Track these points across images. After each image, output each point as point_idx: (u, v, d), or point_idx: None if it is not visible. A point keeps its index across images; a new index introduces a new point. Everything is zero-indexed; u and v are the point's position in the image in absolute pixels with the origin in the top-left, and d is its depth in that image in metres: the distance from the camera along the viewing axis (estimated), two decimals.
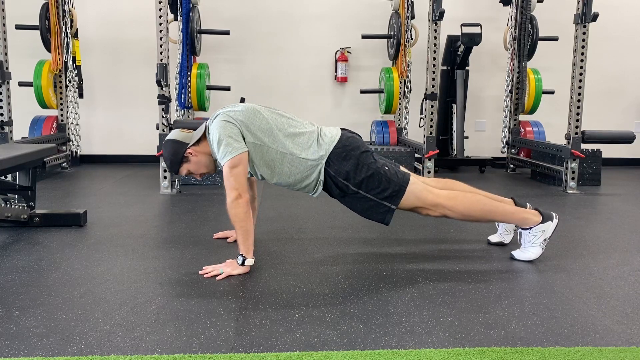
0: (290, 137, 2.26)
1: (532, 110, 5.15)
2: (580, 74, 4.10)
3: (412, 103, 5.35)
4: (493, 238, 2.67)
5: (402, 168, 2.37)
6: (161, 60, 3.88)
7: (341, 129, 2.37)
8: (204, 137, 2.32)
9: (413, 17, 5.04)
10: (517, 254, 2.41)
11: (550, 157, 4.52)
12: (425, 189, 2.31)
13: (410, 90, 5.20)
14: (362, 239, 2.77)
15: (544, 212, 2.37)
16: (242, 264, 2.17)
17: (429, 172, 4.31)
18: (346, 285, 2.09)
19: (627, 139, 4.28)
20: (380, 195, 2.25)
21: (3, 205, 2.70)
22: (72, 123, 5.07)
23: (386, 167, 2.28)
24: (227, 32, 5.05)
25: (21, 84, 4.75)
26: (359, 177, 2.24)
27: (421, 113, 4.80)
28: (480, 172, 5.23)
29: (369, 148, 2.33)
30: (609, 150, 4.83)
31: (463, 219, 2.37)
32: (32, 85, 4.72)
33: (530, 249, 2.38)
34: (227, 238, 2.70)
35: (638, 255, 2.54)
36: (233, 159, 2.16)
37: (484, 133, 5.78)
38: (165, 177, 3.94)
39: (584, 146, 4.22)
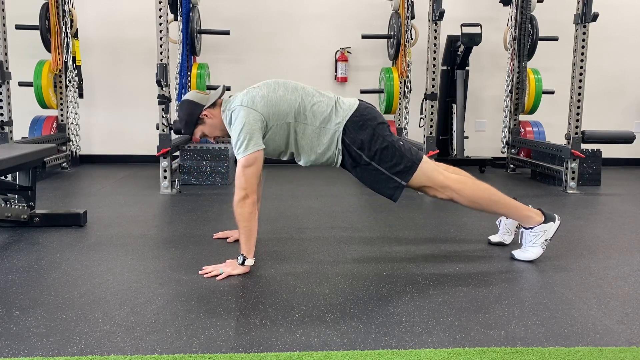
0: (310, 110, 2.25)
1: (532, 110, 5.15)
2: (580, 74, 4.10)
3: (412, 103, 5.35)
4: (493, 238, 2.67)
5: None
6: (161, 60, 3.88)
7: (359, 100, 2.36)
8: (220, 101, 2.32)
9: (413, 17, 5.04)
10: (517, 253, 2.41)
11: (550, 157, 4.52)
12: (437, 170, 2.31)
13: (410, 90, 5.20)
14: (362, 239, 2.77)
15: (546, 212, 2.37)
16: (242, 263, 2.17)
17: None
18: (346, 285, 2.09)
19: (627, 139, 4.28)
20: (392, 169, 2.25)
21: (3, 205, 2.70)
22: (72, 123, 5.06)
23: (401, 142, 2.28)
24: (227, 32, 5.05)
25: (21, 84, 4.75)
26: (374, 148, 2.23)
27: (421, 113, 4.80)
28: (480, 172, 5.23)
29: (385, 120, 2.33)
30: (609, 150, 4.83)
31: (469, 205, 2.35)
32: (32, 85, 4.72)
33: (530, 249, 2.38)
34: (227, 238, 2.70)
35: (638, 255, 2.54)
36: (248, 156, 2.16)
37: (484, 133, 5.78)
38: (165, 177, 3.94)
39: (584, 146, 4.22)
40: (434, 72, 4.29)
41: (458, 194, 2.29)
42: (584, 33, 4.03)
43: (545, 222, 2.34)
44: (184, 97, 2.37)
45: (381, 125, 2.27)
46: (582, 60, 4.07)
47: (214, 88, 5.05)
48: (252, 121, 2.18)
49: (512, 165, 5.26)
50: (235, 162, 2.25)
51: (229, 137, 2.33)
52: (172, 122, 3.99)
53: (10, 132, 4.25)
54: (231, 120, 2.23)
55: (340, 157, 2.30)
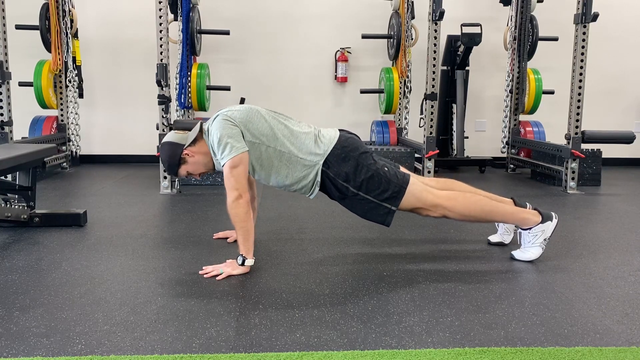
0: (289, 138, 2.26)
1: (532, 110, 5.15)
2: (580, 74, 4.10)
3: (412, 103, 5.35)
4: (493, 238, 2.67)
5: (401, 169, 2.37)
6: (161, 60, 3.88)
7: (339, 130, 2.37)
8: (200, 136, 2.32)
9: (413, 17, 5.04)
10: (517, 254, 2.41)
11: (550, 157, 4.52)
12: (425, 189, 2.31)
13: (410, 90, 5.20)
14: (362, 239, 2.77)
15: (543, 212, 2.37)
16: (242, 264, 2.17)
17: (429, 172, 4.31)
18: (346, 285, 2.09)
19: (627, 139, 4.28)
20: (380, 196, 2.25)
21: (3, 205, 2.70)
22: (72, 123, 5.07)
23: (386, 168, 2.28)
24: (227, 32, 5.05)
25: (21, 84, 4.75)
26: (359, 179, 2.23)
27: (421, 113, 4.80)
28: (480, 172, 5.23)
29: (368, 149, 2.32)
30: (609, 150, 4.83)
31: (463, 219, 2.36)
32: (32, 85, 4.72)
33: (530, 249, 2.38)
34: (227, 238, 2.70)
35: (638, 255, 2.54)
36: (233, 158, 2.16)
37: (484, 133, 5.78)
38: (165, 177, 3.94)
39: (584, 146, 4.22)
40: (434, 72, 4.29)
41: (450, 211, 2.29)
42: (584, 33, 4.03)
43: (542, 222, 2.34)
44: (164, 140, 2.36)
45: (364, 155, 2.27)
46: (582, 60, 4.07)
47: (214, 88, 5.06)
48: (229, 126, 2.20)
49: (512, 165, 5.26)
50: None
51: (214, 171, 2.35)
52: (172, 122, 3.99)
53: (10, 132, 4.25)
54: (210, 132, 2.25)
55: (316, 189, 2.30)
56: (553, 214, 2.39)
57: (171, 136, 2.35)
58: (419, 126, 4.87)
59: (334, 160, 2.25)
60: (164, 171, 3.92)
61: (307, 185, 2.30)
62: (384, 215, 2.28)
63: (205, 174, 2.43)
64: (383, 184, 2.24)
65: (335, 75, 5.62)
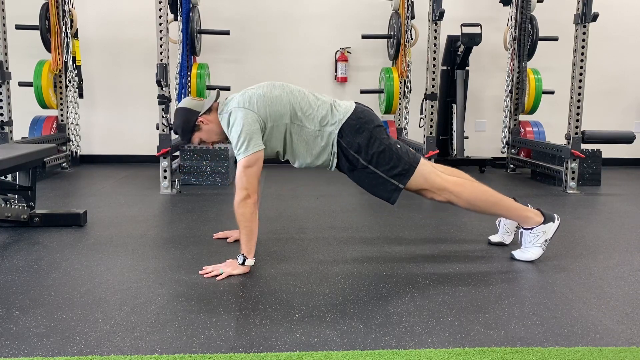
0: (305, 111, 2.25)
1: (532, 110, 5.15)
2: (580, 74, 4.10)
3: (412, 103, 5.35)
4: (493, 238, 2.67)
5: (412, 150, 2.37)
6: (161, 60, 3.88)
7: (355, 102, 2.36)
8: (216, 106, 2.31)
9: (413, 17, 5.04)
10: (517, 254, 2.41)
11: (550, 157, 4.52)
12: (434, 172, 2.31)
13: (410, 90, 5.20)
14: (362, 239, 2.77)
15: (546, 213, 2.37)
16: (243, 263, 2.17)
17: None
18: (346, 285, 2.09)
19: (627, 139, 4.28)
20: (390, 172, 2.24)
21: (3, 205, 2.70)
22: (72, 123, 5.06)
23: (398, 145, 2.28)
24: (227, 32, 5.05)
25: (21, 84, 4.75)
26: (371, 151, 2.22)
27: (421, 113, 4.80)
28: (480, 172, 5.23)
29: (382, 123, 2.32)
30: (609, 150, 4.82)
31: (467, 207, 2.34)
32: (32, 85, 4.71)
33: (530, 249, 2.38)
34: (227, 238, 2.70)
35: (638, 255, 2.54)
36: (249, 157, 2.16)
37: (484, 133, 5.78)
38: (165, 177, 3.94)
39: (584, 146, 4.22)
40: (434, 72, 4.29)
41: (456, 197, 2.28)
42: (584, 33, 4.03)
43: (544, 222, 2.34)
44: (179, 105, 2.36)
45: (378, 128, 2.27)
46: (582, 60, 4.07)
47: (214, 88, 5.05)
48: (250, 122, 2.18)
49: (512, 165, 5.26)
50: (235, 162, 2.24)
51: (227, 141, 2.33)
52: (172, 122, 3.99)
53: (10, 132, 4.25)
54: (229, 122, 2.22)
55: (335, 160, 2.30)
56: (556, 215, 2.39)
57: (187, 102, 2.34)
58: (419, 126, 4.87)
59: (348, 130, 2.23)
60: (165, 171, 3.92)
61: (327, 158, 2.30)
62: (391, 192, 2.27)
63: (218, 143, 2.41)
64: (394, 159, 2.23)
65: (335, 75, 5.62)
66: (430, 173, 2.29)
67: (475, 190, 2.32)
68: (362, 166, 2.25)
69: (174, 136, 4.08)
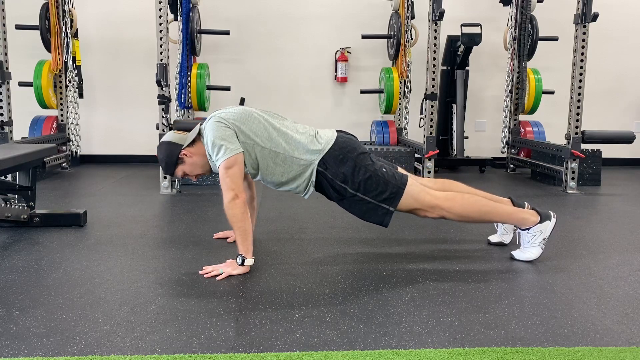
0: (284, 138, 2.26)
1: (532, 110, 5.15)
2: (580, 74, 4.10)
3: (412, 103, 5.35)
4: (493, 238, 2.67)
5: (399, 169, 2.37)
6: (161, 60, 3.88)
7: (337, 130, 2.37)
8: (198, 137, 2.32)
9: (413, 17, 5.04)
10: (516, 254, 2.41)
11: (550, 157, 4.52)
12: (423, 190, 2.30)
13: (410, 90, 5.20)
14: (362, 239, 2.77)
15: (541, 211, 2.37)
16: (242, 264, 2.17)
17: (429, 172, 4.31)
18: (346, 285, 2.09)
19: (627, 139, 4.28)
20: (379, 197, 2.25)
21: (3, 205, 2.70)
22: (72, 123, 5.07)
23: (384, 169, 2.27)
24: (227, 32, 5.05)
25: (21, 84, 4.75)
26: (357, 180, 2.23)
27: (421, 113, 4.80)
28: (480, 172, 5.23)
29: (365, 150, 2.32)
30: (609, 150, 4.83)
31: (461, 220, 2.36)
32: (32, 85, 4.72)
33: (529, 249, 2.38)
34: (227, 238, 2.70)
35: (638, 255, 2.54)
36: (228, 159, 2.17)
37: (484, 133, 5.78)
38: (165, 177, 3.94)
39: (584, 146, 4.22)
40: (434, 72, 4.29)
41: (448, 212, 2.29)
42: (584, 33, 4.03)
43: (541, 221, 2.34)
44: (162, 139, 2.37)
45: (362, 156, 2.27)
46: (582, 60, 4.07)
47: (214, 88, 5.06)
48: (223, 127, 2.21)
49: (512, 165, 5.26)
50: None
51: (212, 173, 2.35)
52: (172, 122, 3.99)
53: (10, 132, 4.25)
54: (205, 134, 2.25)
55: (311, 189, 2.31)
56: (551, 213, 2.39)
57: (170, 136, 2.35)
58: (419, 126, 4.87)
59: (332, 161, 2.24)
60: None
61: (302, 185, 2.30)
62: (382, 216, 2.28)
63: (202, 175, 2.43)
64: (381, 185, 2.24)
65: (335, 75, 5.62)
66: (420, 192, 2.29)
67: (465, 203, 2.31)
68: (351, 195, 2.26)
69: None
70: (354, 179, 2.23)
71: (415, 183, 2.33)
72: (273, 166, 2.27)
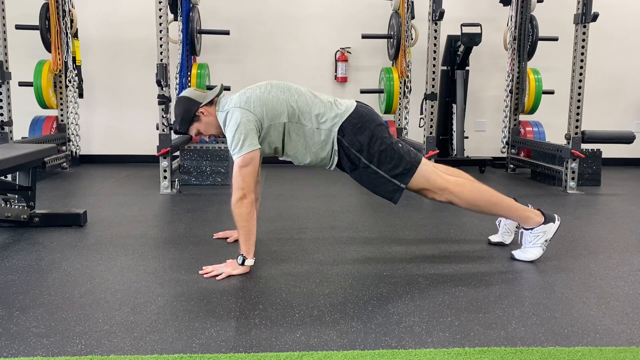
0: (307, 111, 2.25)
1: (532, 110, 5.15)
2: (580, 74, 4.10)
3: (412, 103, 5.35)
4: (494, 238, 2.67)
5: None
6: (161, 60, 3.88)
7: (357, 101, 2.36)
8: (217, 99, 2.32)
9: (413, 17, 5.04)
10: (517, 254, 2.41)
11: (550, 157, 4.52)
12: (435, 172, 2.31)
13: (410, 90, 5.20)
14: (362, 239, 2.77)
15: (546, 213, 2.37)
16: (242, 264, 2.17)
17: None
18: (346, 285, 2.09)
19: (627, 139, 4.28)
20: (391, 172, 2.24)
21: (3, 205, 2.70)
22: (72, 123, 5.06)
23: (400, 144, 2.28)
24: (227, 32, 5.05)
25: (21, 84, 4.75)
26: (372, 150, 2.22)
27: (421, 113, 4.80)
28: (480, 172, 5.23)
29: (383, 122, 2.32)
30: (609, 150, 4.83)
31: (468, 207, 2.34)
32: (32, 85, 4.72)
33: (530, 250, 2.38)
34: (227, 238, 2.70)
35: (638, 255, 2.54)
36: (245, 156, 2.16)
37: (484, 133, 5.78)
38: (165, 177, 3.94)
39: (584, 146, 4.22)
40: (434, 72, 4.28)
41: (457, 197, 2.28)
42: (584, 33, 4.03)
43: (545, 222, 2.34)
44: (181, 94, 2.37)
45: (380, 127, 2.27)
46: (582, 60, 4.07)
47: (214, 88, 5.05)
48: (246, 121, 2.18)
49: (512, 165, 5.26)
50: None
51: (224, 136, 2.33)
52: (172, 122, 3.99)
53: (10, 132, 4.25)
54: (226, 120, 2.24)
55: (335, 159, 2.30)
56: (556, 215, 2.39)
57: (189, 92, 2.34)
58: (419, 126, 4.86)
59: (350, 129, 2.23)
60: (164, 171, 3.92)
61: (327, 156, 2.29)
62: (393, 192, 2.27)
63: (215, 136, 2.41)
64: (395, 159, 2.23)
65: (335, 75, 5.62)
66: (432, 173, 2.29)
67: (475, 191, 2.31)
68: (364, 165, 2.25)
69: (174, 136, 4.09)
70: (370, 149, 2.22)
71: (429, 163, 2.34)
72: (296, 140, 2.26)
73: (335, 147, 2.26)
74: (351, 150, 2.24)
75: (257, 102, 2.23)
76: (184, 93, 2.35)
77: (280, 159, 2.41)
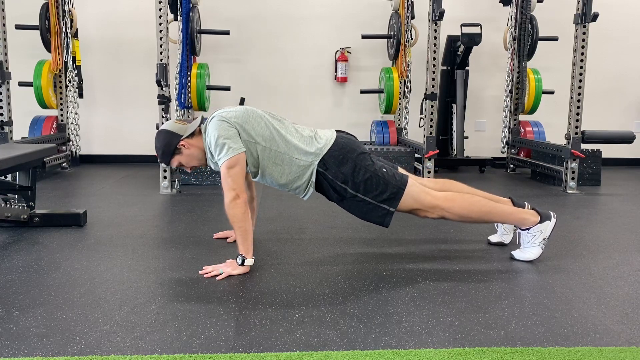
0: (285, 138, 2.26)
1: (532, 110, 5.15)
2: (580, 74, 4.10)
3: (412, 103, 5.35)
4: (493, 238, 2.67)
5: (400, 170, 2.37)
6: (161, 60, 3.88)
7: (336, 130, 2.37)
8: (198, 131, 2.32)
9: (413, 17, 5.04)
10: (516, 254, 2.41)
11: (550, 157, 4.52)
12: (423, 190, 2.31)
13: (410, 90, 5.20)
14: (362, 239, 2.77)
15: (541, 211, 2.37)
16: (242, 264, 2.17)
17: (428, 172, 4.31)
18: (346, 285, 2.09)
19: (627, 139, 4.28)
20: (379, 197, 2.25)
21: (3, 205, 2.70)
22: (72, 123, 5.07)
23: (384, 169, 2.27)
24: (227, 32, 5.05)
25: (21, 84, 4.75)
26: (357, 180, 2.23)
27: (421, 113, 4.80)
28: (480, 172, 5.23)
29: (365, 150, 2.33)
30: (609, 150, 4.83)
31: (461, 220, 2.36)
32: (32, 85, 4.72)
33: (529, 249, 2.38)
34: (227, 238, 2.70)
35: (638, 255, 2.54)
36: (230, 159, 2.16)
37: (484, 133, 5.78)
38: (165, 177, 3.94)
39: (584, 146, 4.22)
40: (434, 72, 4.29)
41: (448, 212, 2.29)
42: (584, 33, 4.03)
43: (541, 221, 2.34)
44: (162, 127, 2.36)
45: (362, 156, 2.27)
46: (582, 60, 4.07)
47: (214, 88, 5.06)
48: (226, 127, 2.20)
49: (512, 165, 5.26)
50: None
51: (206, 166, 2.36)
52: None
53: (10, 132, 4.25)
54: (207, 133, 2.25)
55: (311, 190, 2.31)
56: (551, 213, 2.39)
57: (170, 125, 2.34)
58: (419, 126, 4.87)
59: (332, 162, 2.24)
60: (165, 171, 3.92)
61: (302, 185, 2.31)
62: (383, 217, 2.28)
63: (197, 168, 2.42)
64: (381, 185, 2.24)
65: (335, 75, 5.62)
66: (420, 193, 2.29)
67: (465, 203, 2.32)
68: (351, 195, 2.26)
69: None
70: (354, 179, 2.23)
71: (416, 183, 2.32)
72: (273, 166, 2.27)
73: (313, 179, 2.27)
74: (336, 182, 2.25)
75: (236, 115, 2.25)
76: (164, 126, 2.35)
77: (253, 178, 2.42)
